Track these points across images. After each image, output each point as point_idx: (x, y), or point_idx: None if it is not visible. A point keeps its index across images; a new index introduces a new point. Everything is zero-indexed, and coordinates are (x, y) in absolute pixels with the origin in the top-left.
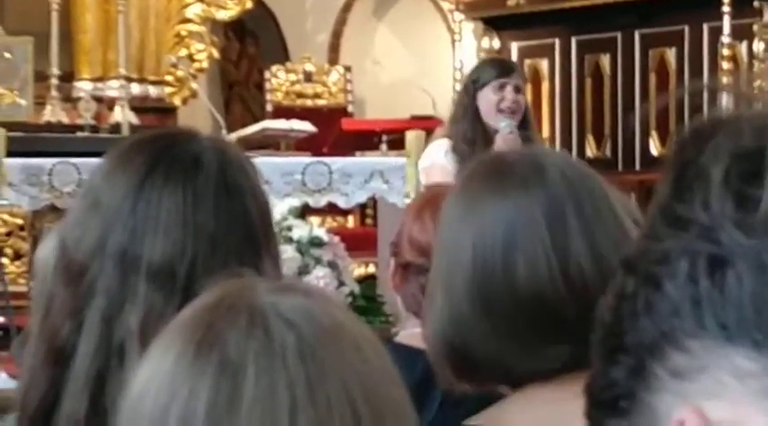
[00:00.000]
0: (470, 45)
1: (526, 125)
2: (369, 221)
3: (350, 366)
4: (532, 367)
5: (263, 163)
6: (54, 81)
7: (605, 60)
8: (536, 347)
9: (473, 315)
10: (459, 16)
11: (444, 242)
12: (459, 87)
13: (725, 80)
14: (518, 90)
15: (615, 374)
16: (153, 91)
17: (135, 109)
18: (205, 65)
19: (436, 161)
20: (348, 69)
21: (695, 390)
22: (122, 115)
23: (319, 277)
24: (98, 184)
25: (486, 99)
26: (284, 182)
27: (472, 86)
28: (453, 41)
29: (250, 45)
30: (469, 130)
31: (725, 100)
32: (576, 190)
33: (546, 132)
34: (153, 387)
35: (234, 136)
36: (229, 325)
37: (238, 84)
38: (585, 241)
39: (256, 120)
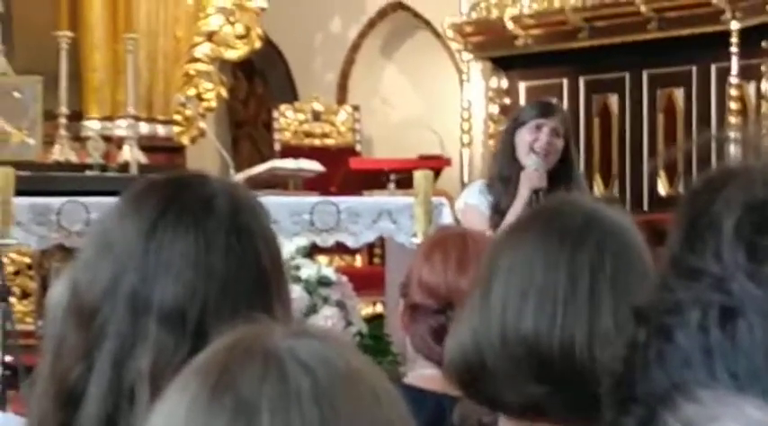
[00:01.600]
0: (478, 85)
1: (567, 173)
2: (377, 260)
3: (365, 412)
4: (512, 400)
5: (271, 202)
6: (63, 120)
7: (613, 100)
8: (520, 383)
9: (491, 349)
10: (467, 56)
11: (490, 272)
12: (466, 127)
13: (733, 120)
14: (555, 133)
15: (626, 423)
16: (161, 130)
17: (143, 148)
18: (213, 104)
19: (468, 201)
20: (356, 108)
21: None
22: (131, 154)
23: (327, 316)
24: (110, 227)
25: (522, 138)
26: (292, 222)
27: (512, 125)
28: (461, 81)
29: (258, 84)
30: (505, 168)
31: (732, 145)
32: (605, 260)
33: None
34: None
35: (242, 175)
36: (244, 369)
37: (247, 124)
38: (590, 316)
39: (264, 160)
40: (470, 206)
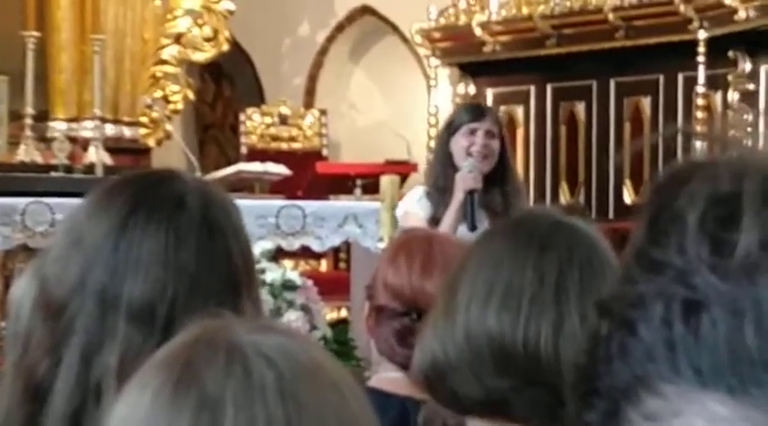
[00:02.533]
0: (446, 91)
1: (506, 174)
2: (342, 265)
3: (328, 405)
4: (475, 395)
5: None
6: (28, 121)
7: (580, 108)
8: (482, 377)
9: (455, 344)
10: (434, 62)
11: (457, 276)
12: (434, 132)
13: (699, 129)
14: (490, 134)
15: (589, 417)
16: (127, 132)
17: (109, 149)
18: (180, 106)
19: (408, 209)
20: (323, 113)
21: None
22: (96, 156)
23: (291, 320)
24: (81, 222)
25: (458, 144)
26: (258, 225)
27: (446, 132)
28: (429, 87)
29: (226, 87)
30: (441, 178)
31: (698, 148)
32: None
33: (520, 178)
34: (131, 425)
35: (208, 178)
36: (208, 363)
37: (213, 127)
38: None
39: (231, 163)
40: (410, 213)
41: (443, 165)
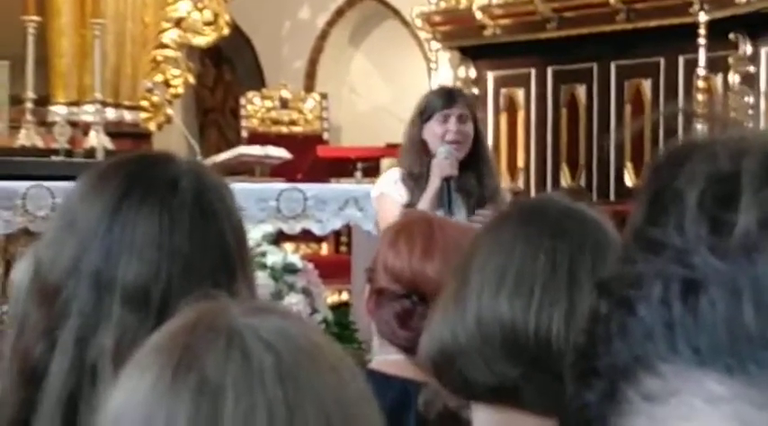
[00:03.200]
0: (447, 74)
1: (480, 157)
2: (343, 248)
3: (327, 387)
4: (487, 382)
5: (238, 189)
6: (29, 105)
7: (581, 91)
8: (494, 363)
9: (466, 330)
10: (435, 45)
11: (467, 262)
12: None
13: (700, 111)
14: (463, 119)
15: (588, 397)
16: (128, 116)
17: (110, 134)
18: (181, 90)
19: (384, 191)
20: (324, 96)
21: (667, 414)
22: (97, 140)
23: (292, 303)
24: (74, 205)
25: (431, 131)
26: (259, 209)
27: (419, 119)
28: (429, 70)
29: (226, 71)
30: (415, 165)
31: (699, 130)
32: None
33: (521, 162)
34: (130, 410)
35: (209, 161)
36: (207, 347)
37: (214, 111)
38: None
39: (231, 146)
40: (386, 195)
41: (417, 152)
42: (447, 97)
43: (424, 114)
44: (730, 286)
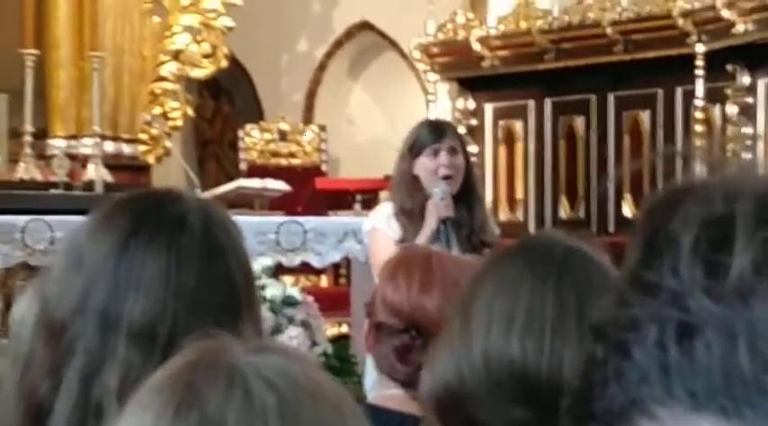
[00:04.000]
0: (445, 105)
1: (470, 188)
2: (342, 281)
3: (329, 425)
4: (494, 424)
5: (237, 222)
6: (28, 138)
7: (579, 122)
8: (504, 406)
9: (473, 372)
10: (433, 77)
11: (470, 300)
12: None
13: (698, 143)
14: (453, 151)
15: None
16: (127, 149)
17: (109, 166)
18: (179, 123)
19: (377, 226)
20: (323, 128)
21: None
22: (96, 173)
23: (292, 336)
24: (82, 242)
25: (423, 166)
26: (258, 242)
27: (408, 154)
28: (428, 102)
29: (225, 103)
30: (407, 201)
31: (699, 164)
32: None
33: (520, 193)
34: None
35: (208, 194)
36: (209, 386)
37: (213, 143)
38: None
39: (230, 179)
40: (378, 230)
41: (409, 188)
42: (436, 131)
43: (413, 149)
44: (725, 329)
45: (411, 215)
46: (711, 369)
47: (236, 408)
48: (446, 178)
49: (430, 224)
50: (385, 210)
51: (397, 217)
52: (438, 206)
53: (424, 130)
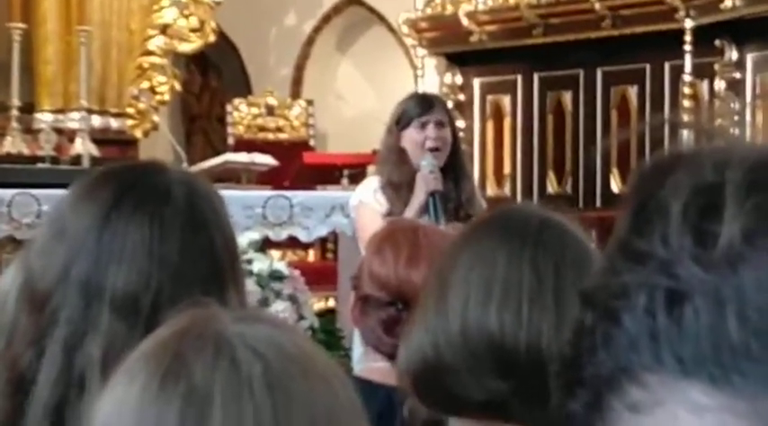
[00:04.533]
0: (433, 80)
1: (457, 161)
2: (329, 255)
3: (316, 396)
4: (475, 397)
5: (224, 196)
6: (15, 112)
7: (567, 97)
8: (482, 378)
9: (451, 346)
10: (421, 52)
11: (446, 272)
12: None
13: (686, 118)
14: (441, 125)
15: (573, 407)
16: (114, 123)
17: (96, 141)
18: (167, 97)
19: (364, 200)
20: (310, 103)
21: (651, 424)
22: (83, 147)
23: (279, 310)
24: (65, 213)
25: (411, 139)
26: (245, 216)
27: (395, 128)
28: (416, 77)
29: (212, 78)
30: (395, 174)
31: (686, 137)
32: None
33: (507, 168)
34: (118, 417)
35: (195, 169)
36: (196, 355)
37: (200, 117)
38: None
39: (218, 154)
40: (365, 204)
41: (396, 161)
42: (424, 104)
43: (400, 122)
44: (714, 296)
45: (398, 188)
46: (700, 336)
47: (222, 378)
48: (433, 150)
49: (419, 196)
50: (372, 184)
51: (384, 191)
52: (427, 178)
53: (411, 103)
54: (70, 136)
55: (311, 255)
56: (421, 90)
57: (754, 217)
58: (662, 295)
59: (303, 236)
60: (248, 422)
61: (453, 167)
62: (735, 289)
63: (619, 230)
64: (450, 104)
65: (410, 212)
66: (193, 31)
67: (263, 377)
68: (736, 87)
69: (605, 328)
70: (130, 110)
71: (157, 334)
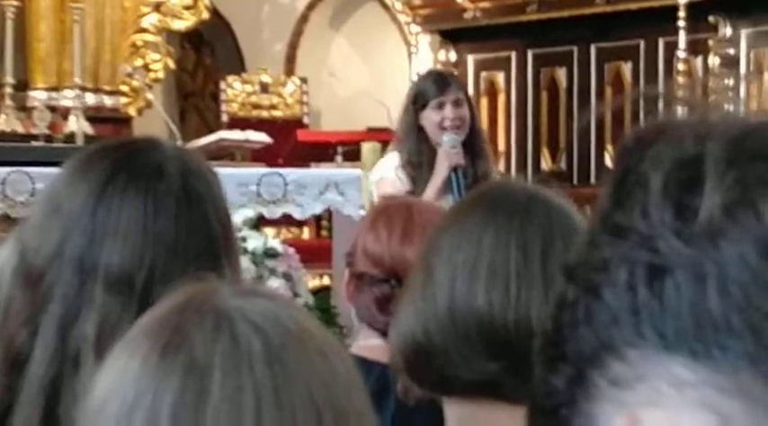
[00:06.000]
0: (427, 57)
1: (474, 138)
2: (324, 233)
3: (315, 370)
4: (466, 378)
5: (218, 173)
6: (8, 90)
7: (561, 74)
8: (473, 359)
9: (440, 327)
10: (415, 28)
11: (433, 252)
12: None
13: (680, 94)
14: (458, 103)
15: (556, 382)
16: (108, 101)
17: (90, 119)
18: (161, 75)
19: (385, 175)
20: (304, 81)
21: (633, 399)
22: (77, 125)
23: (274, 288)
24: (59, 190)
25: (429, 120)
26: (239, 193)
27: (412, 107)
28: (410, 53)
29: (206, 55)
30: (414, 153)
31: (679, 112)
32: (554, 234)
33: (501, 145)
34: (119, 389)
35: (189, 146)
36: (196, 328)
37: (194, 95)
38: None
39: (212, 131)
40: (387, 179)
41: (416, 140)
42: (439, 83)
43: (417, 102)
44: (695, 271)
45: (418, 167)
46: (681, 311)
47: (222, 351)
48: (452, 129)
49: (441, 172)
50: (392, 161)
51: (405, 169)
52: (449, 153)
53: (427, 83)
54: (64, 114)
55: (306, 233)
56: (415, 67)
57: (734, 190)
58: (643, 269)
59: (297, 214)
60: (247, 396)
61: (471, 144)
62: (716, 264)
63: (600, 203)
64: None
65: (432, 188)
66: (187, 8)
67: (263, 351)
68: (730, 63)
69: (587, 303)
70: (124, 88)
71: (158, 308)
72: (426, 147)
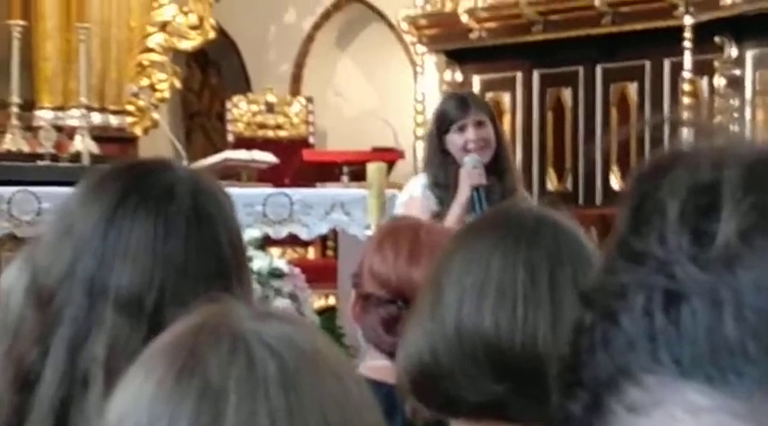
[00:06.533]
0: (432, 77)
1: (500, 156)
2: (329, 253)
3: (329, 393)
4: (473, 399)
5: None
6: (15, 109)
7: (567, 94)
8: (480, 381)
9: (447, 348)
10: (421, 49)
11: (441, 274)
12: (420, 119)
13: (685, 115)
14: (480, 124)
15: (572, 408)
16: (114, 120)
17: (96, 138)
18: (167, 95)
19: (414, 195)
20: (310, 100)
21: (650, 425)
22: (83, 144)
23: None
24: (72, 210)
25: (453, 143)
26: (245, 213)
27: (436, 131)
28: (415, 74)
29: (212, 75)
30: (441, 176)
31: (685, 134)
32: (562, 257)
33: None
34: (133, 412)
35: (195, 166)
36: (211, 351)
37: (200, 115)
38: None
39: (217, 151)
40: (415, 198)
41: (442, 162)
42: (460, 105)
43: (441, 126)
44: (711, 297)
45: (446, 188)
46: (697, 337)
47: (237, 375)
48: (476, 151)
49: (463, 191)
50: (420, 181)
51: (432, 190)
52: (470, 173)
53: (448, 106)
54: (70, 133)
55: (311, 253)
56: (421, 87)
57: (751, 217)
58: (660, 295)
59: (303, 234)
60: (262, 420)
61: (497, 162)
62: (732, 290)
63: (617, 229)
64: None
65: (456, 208)
66: (193, 28)
67: (278, 375)
68: (735, 84)
69: (604, 329)
70: (130, 108)
71: (173, 329)
72: (452, 169)
